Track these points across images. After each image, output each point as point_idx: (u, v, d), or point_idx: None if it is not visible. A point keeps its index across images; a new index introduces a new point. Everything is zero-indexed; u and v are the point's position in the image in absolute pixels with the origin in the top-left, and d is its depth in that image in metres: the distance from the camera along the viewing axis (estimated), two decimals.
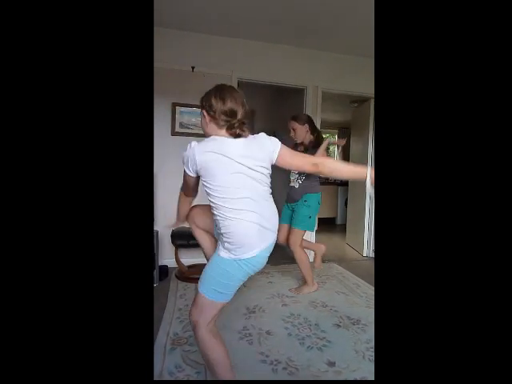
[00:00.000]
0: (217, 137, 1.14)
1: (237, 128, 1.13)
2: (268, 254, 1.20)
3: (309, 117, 2.45)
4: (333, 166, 1.24)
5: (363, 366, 1.56)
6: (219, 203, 1.10)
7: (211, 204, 1.14)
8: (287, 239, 2.44)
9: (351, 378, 1.48)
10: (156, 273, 2.62)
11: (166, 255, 3.00)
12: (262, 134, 1.19)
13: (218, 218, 1.13)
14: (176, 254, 2.81)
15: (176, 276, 2.78)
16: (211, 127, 1.16)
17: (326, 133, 6.86)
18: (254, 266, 1.17)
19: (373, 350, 1.69)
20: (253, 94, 3.67)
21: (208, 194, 1.13)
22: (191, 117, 3.05)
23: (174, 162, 3.05)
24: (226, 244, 1.12)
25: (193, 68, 2.99)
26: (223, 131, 1.14)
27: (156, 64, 2.56)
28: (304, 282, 2.55)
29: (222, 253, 1.14)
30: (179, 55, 2.97)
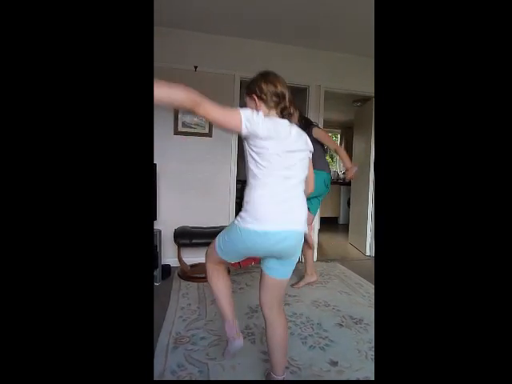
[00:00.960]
0: (272, 117, 1.17)
1: (288, 108, 1.19)
2: (272, 244, 1.13)
3: (300, 113, 2.54)
4: (208, 111, 1.01)
5: (366, 365, 1.56)
6: (257, 171, 1.11)
7: (250, 167, 1.12)
8: None
9: (354, 377, 1.48)
10: (158, 272, 2.62)
11: (169, 254, 3.01)
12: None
13: (250, 185, 1.13)
14: (178, 253, 2.81)
15: (178, 275, 2.79)
16: (262, 110, 1.17)
17: (328, 132, 6.84)
18: (251, 240, 1.11)
19: None
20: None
21: (250, 158, 1.11)
22: (194, 116, 3.05)
23: (177, 161, 3.06)
24: (241, 213, 1.14)
25: (195, 67, 2.99)
26: (273, 112, 1.18)
27: (159, 63, 2.56)
28: (305, 270, 2.59)
29: (236, 221, 1.16)
30: (182, 55, 2.97)
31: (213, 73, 3.00)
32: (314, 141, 2.43)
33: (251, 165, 1.12)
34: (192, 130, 3.07)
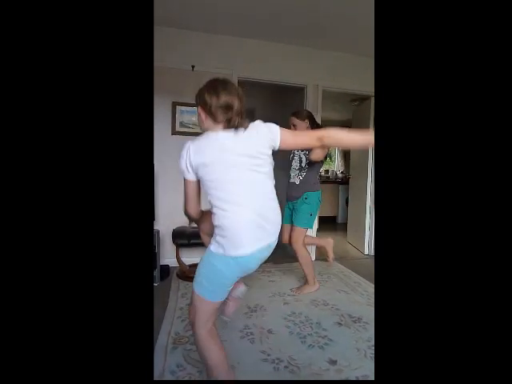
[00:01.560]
0: (210, 132, 1.11)
1: (234, 121, 1.08)
2: (262, 257, 1.13)
3: (309, 112, 2.44)
4: (337, 136, 1.16)
5: (365, 364, 1.56)
6: (215, 195, 1.08)
7: (209, 198, 1.10)
8: (289, 238, 2.44)
9: (352, 376, 1.48)
10: (157, 272, 2.62)
11: (168, 255, 3.01)
12: (258, 122, 1.14)
13: (214, 210, 1.09)
14: (177, 254, 2.81)
15: (177, 275, 2.79)
16: (208, 123, 1.12)
17: None
18: (244, 266, 1.10)
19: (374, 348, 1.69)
20: (253, 92, 3.66)
21: (206, 188, 1.10)
22: (191, 116, 3.05)
23: (175, 160, 3.03)
24: (217, 237, 1.09)
25: (193, 67, 2.98)
26: (220, 126, 1.10)
27: (156, 63, 2.55)
28: (305, 281, 2.55)
29: (213, 246, 1.10)
30: (179, 54, 2.96)
31: (210, 72, 2.98)
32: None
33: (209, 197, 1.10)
34: (190, 130, 3.06)
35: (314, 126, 2.40)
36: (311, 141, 1.18)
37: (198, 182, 1.14)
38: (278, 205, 1.17)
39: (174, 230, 2.83)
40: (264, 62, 3.19)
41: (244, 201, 1.07)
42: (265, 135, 1.11)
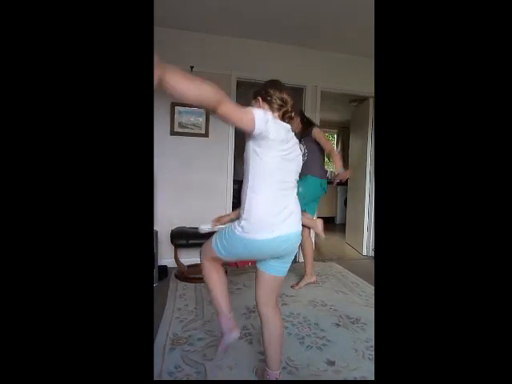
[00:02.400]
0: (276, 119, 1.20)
1: (289, 113, 1.28)
2: (275, 248, 1.18)
3: (301, 110, 2.69)
4: (227, 110, 1.02)
5: (363, 365, 1.57)
6: (259, 177, 1.15)
7: (251, 173, 1.15)
8: None
9: (351, 377, 1.48)
10: (155, 273, 2.61)
11: (166, 255, 3.00)
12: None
13: (250, 191, 1.16)
14: (175, 254, 2.81)
15: (175, 276, 2.78)
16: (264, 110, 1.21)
17: (325, 132, 6.86)
18: (257, 248, 1.16)
19: (372, 348, 1.70)
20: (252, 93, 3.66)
21: (254, 159, 1.14)
22: (190, 116, 3.05)
23: (174, 161, 3.05)
24: (242, 221, 1.16)
25: (192, 67, 2.98)
26: (276, 115, 1.24)
27: None
28: (302, 277, 2.59)
29: (233, 225, 1.20)
30: (178, 55, 2.96)
31: (209, 73, 2.99)
32: (313, 142, 2.47)
33: (254, 164, 1.14)
34: (188, 131, 3.06)
35: (304, 120, 2.59)
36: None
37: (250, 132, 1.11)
38: (298, 204, 1.27)
39: (172, 230, 2.83)
40: (263, 62, 3.19)
41: (278, 193, 1.20)
42: (300, 148, 1.33)
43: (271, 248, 1.17)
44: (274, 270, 1.28)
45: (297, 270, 3.07)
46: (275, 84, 1.31)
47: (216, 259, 1.32)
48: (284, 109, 1.27)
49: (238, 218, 1.21)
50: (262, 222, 1.14)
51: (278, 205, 1.16)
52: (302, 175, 2.40)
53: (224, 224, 1.49)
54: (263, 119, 1.08)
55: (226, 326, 1.34)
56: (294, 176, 1.25)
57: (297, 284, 2.57)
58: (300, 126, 2.55)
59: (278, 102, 1.26)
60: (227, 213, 1.51)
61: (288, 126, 1.24)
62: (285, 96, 1.27)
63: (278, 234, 1.14)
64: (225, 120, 1.04)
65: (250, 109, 1.09)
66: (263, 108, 1.24)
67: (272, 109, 1.25)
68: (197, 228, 2.90)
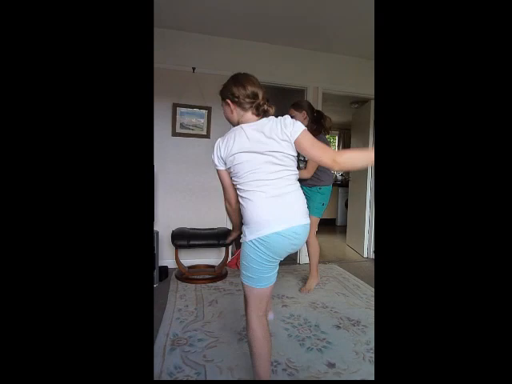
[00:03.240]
0: (235, 128, 1.23)
1: (262, 106, 1.21)
2: (288, 238, 1.15)
3: (309, 104, 2.47)
4: (352, 160, 1.13)
5: (363, 367, 1.56)
6: (238, 187, 1.21)
7: (238, 192, 1.23)
8: None
9: (351, 379, 1.47)
10: (156, 273, 2.62)
11: (166, 256, 3.01)
12: (286, 116, 1.21)
13: (240, 203, 1.23)
14: (176, 255, 2.81)
15: (176, 277, 2.78)
16: (237, 113, 1.23)
17: (326, 134, 6.86)
18: (269, 244, 1.14)
19: (373, 351, 1.69)
20: None
21: (235, 183, 1.23)
22: (192, 117, 3.05)
23: (175, 162, 3.06)
24: (243, 227, 1.21)
25: (193, 69, 2.99)
26: (249, 113, 1.22)
27: (157, 65, 2.56)
28: (307, 279, 2.60)
29: (243, 238, 1.21)
30: (180, 56, 2.97)
31: (211, 74, 2.99)
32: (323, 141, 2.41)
33: (236, 185, 1.22)
34: (190, 132, 3.06)
35: (315, 116, 2.43)
36: (326, 159, 1.12)
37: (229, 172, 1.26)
38: (299, 189, 1.26)
39: (173, 231, 2.83)
40: (264, 64, 3.20)
41: (259, 188, 1.21)
42: (285, 127, 1.16)
43: (286, 239, 1.15)
44: (269, 281, 1.22)
45: (297, 271, 3.07)
46: (236, 80, 1.24)
47: (263, 301, 1.22)
48: (255, 103, 1.21)
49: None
50: (259, 223, 1.15)
51: (267, 204, 1.15)
52: (317, 186, 2.44)
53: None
54: (215, 155, 1.25)
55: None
56: (276, 168, 1.17)
57: (305, 288, 2.54)
58: (310, 123, 2.37)
59: (247, 99, 1.20)
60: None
61: (253, 124, 1.19)
62: (250, 90, 1.20)
63: (286, 227, 1.14)
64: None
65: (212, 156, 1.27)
66: (234, 110, 1.22)
67: (243, 109, 1.21)
68: (197, 229, 2.92)
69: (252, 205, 1.16)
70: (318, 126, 2.41)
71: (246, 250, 1.19)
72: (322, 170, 2.42)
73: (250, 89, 1.21)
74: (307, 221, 1.22)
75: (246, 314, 1.25)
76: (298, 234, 1.18)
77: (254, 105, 1.21)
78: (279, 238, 1.14)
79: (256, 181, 1.16)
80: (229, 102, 1.23)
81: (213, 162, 1.27)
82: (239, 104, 1.21)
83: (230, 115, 1.27)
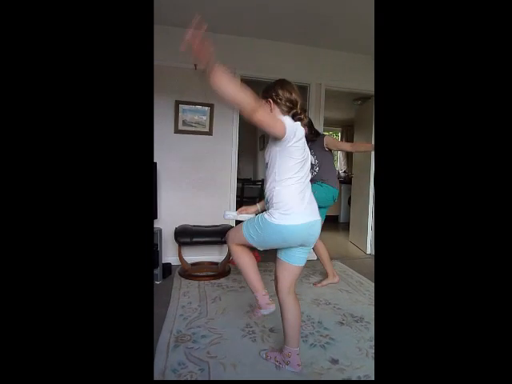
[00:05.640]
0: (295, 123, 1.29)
1: (300, 114, 1.32)
2: (306, 234, 1.31)
3: (309, 120, 2.56)
4: (262, 117, 1.19)
5: (366, 363, 1.56)
6: (293, 169, 1.27)
7: (282, 172, 1.27)
8: None
9: (354, 375, 1.48)
10: (159, 270, 2.63)
11: (170, 253, 3.02)
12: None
13: (280, 186, 1.28)
14: (179, 252, 2.82)
15: (179, 273, 2.79)
16: (275, 112, 1.32)
17: (329, 130, 6.84)
18: (291, 234, 1.27)
19: None
20: (256, 91, 3.65)
21: (287, 160, 1.26)
22: (194, 114, 3.05)
23: (178, 159, 3.06)
24: (275, 212, 1.26)
25: (195, 66, 2.98)
26: (286, 116, 1.30)
27: (159, 62, 2.55)
28: (325, 274, 2.65)
29: (266, 215, 1.29)
30: (182, 53, 2.95)
31: None
32: (326, 151, 2.48)
33: (280, 163, 1.26)
34: (192, 129, 3.06)
35: (313, 132, 2.54)
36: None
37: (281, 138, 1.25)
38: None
39: (176, 228, 2.84)
40: (267, 60, 3.18)
41: (300, 184, 1.33)
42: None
43: (304, 232, 1.29)
44: (298, 260, 1.39)
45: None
46: (283, 84, 1.33)
47: (245, 245, 1.40)
48: (293, 111, 1.30)
49: (264, 209, 1.35)
50: (293, 210, 1.25)
51: (303, 196, 1.28)
52: (318, 182, 2.43)
53: (249, 214, 1.54)
54: (292, 130, 1.21)
55: (263, 301, 1.42)
56: (308, 172, 1.35)
57: (320, 282, 2.62)
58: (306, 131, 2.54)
59: (288, 104, 1.30)
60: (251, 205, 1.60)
61: (303, 129, 1.30)
62: (294, 97, 1.31)
63: (309, 220, 1.28)
64: (259, 126, 1.15)
65: (280, 118, 1.23)
66: (273, 110, 1.31)
67: (282, 111, 1.31)
68: (200, 226, 2.92)
69: (293, 195, 1.26)
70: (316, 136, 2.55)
71: (271, 230, 1.27)
72: (328, 170, 2.48)
73: (294, 95, 1.32)
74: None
75: (228, 242, 1.44)
76: (317, 225, 1.34)
77: (292, 111, 1.31)
78: (304, 228, 1.27)
79: (302, 178, 1.29)
80: (270, 101, 1.31)
81: (286, 128, 1.19)
82: (279, 105, 1.31)
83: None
